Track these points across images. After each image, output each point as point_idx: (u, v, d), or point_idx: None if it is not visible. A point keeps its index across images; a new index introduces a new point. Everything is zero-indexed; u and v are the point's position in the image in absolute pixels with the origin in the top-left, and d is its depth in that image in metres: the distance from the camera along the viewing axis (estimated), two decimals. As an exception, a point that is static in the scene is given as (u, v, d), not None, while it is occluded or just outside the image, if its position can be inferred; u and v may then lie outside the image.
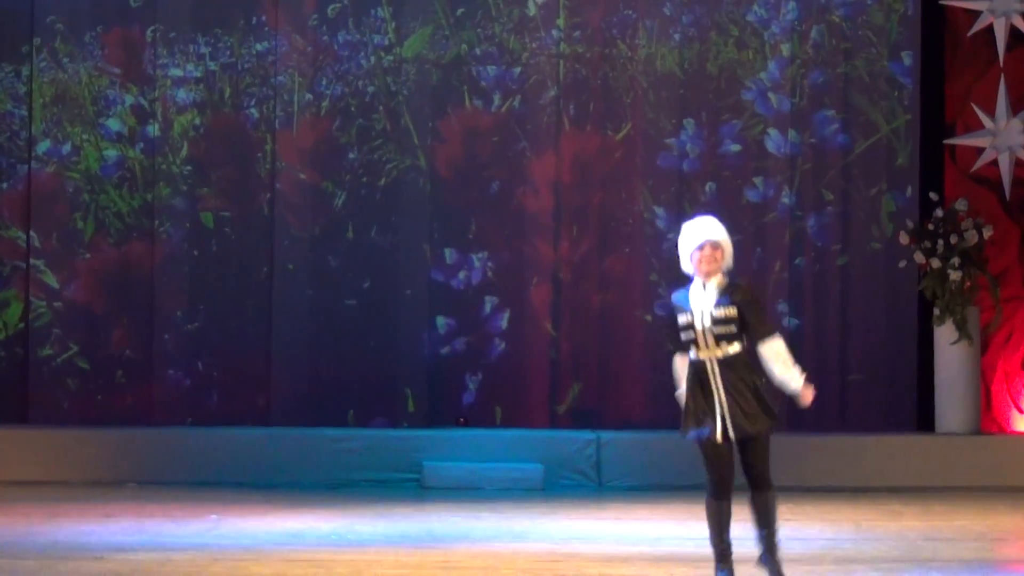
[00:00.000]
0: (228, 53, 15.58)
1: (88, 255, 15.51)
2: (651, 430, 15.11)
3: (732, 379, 9.19)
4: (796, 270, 15.65)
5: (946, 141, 15.31)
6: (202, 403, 15.46)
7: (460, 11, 15.59)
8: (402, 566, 10.61)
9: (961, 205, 14.99)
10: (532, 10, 15.62)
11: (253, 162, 15.62)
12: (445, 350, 15.55)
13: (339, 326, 15.50)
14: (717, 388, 9.20)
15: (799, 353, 15.37)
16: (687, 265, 9.31)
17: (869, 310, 15.63)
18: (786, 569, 9.72)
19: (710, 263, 9.19)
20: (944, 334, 14.94)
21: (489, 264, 15.62)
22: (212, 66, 15.58)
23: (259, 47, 15.59)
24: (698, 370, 9.23)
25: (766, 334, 9.21)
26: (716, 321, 9.13)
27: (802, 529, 12.27)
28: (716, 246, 9.23)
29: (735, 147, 15.66)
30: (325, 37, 15.60)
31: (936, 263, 14.87)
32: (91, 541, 11.34)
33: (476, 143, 15.66)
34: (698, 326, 9.16)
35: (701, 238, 9.27)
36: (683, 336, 9.23)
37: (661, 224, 15.56)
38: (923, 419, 15.28)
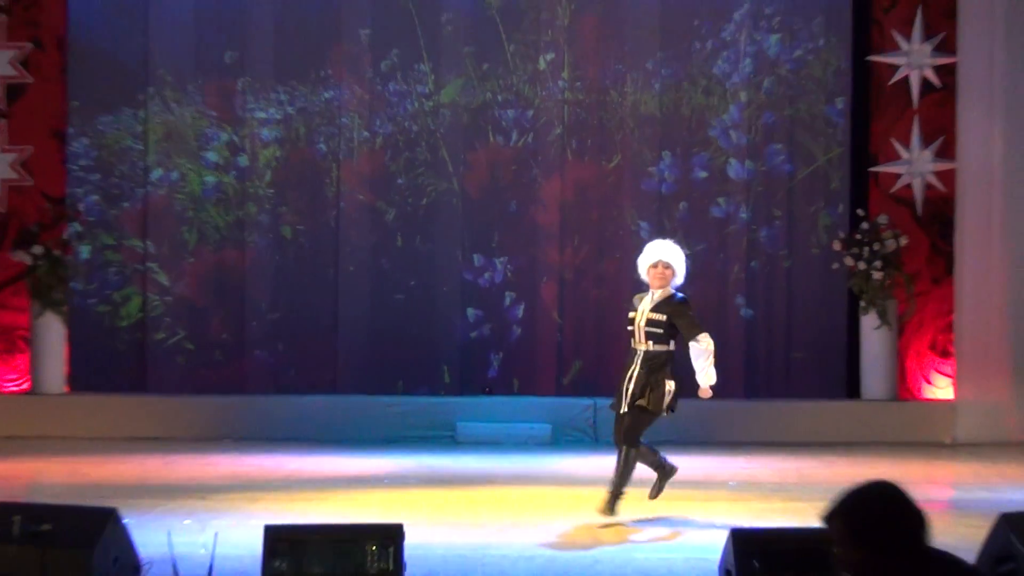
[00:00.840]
0: (302, 100, 15.62)
1: (192, 260, 15.56)
2: (637, 397, 15.15)
3: (648, 369, 9.48)
4: (751, 271, 15.67)
5: (871, 168, 15.32)
6: (282, 376, 15.50)
7: (485, 66, 15.63)
8: (440, 501, 10.67)
9: (882, 219, 15.01)
10: (542, 65, 15.66)
11: (322, 186, 15.66)
12: (474, 334, 15.59)
13: (390, 315, 15.54)
14: (633, 373, 9.56)
15: (754, 336, 15.56)
16: (643, 275, 9.63)
17: (809, 302, 15.64)
18: (738, 504, 9.70)
19: (660, 279, 9.53)
20: (868, 321, 14.96)
21: (508, 267, 15.65)
22: (290, 110, 15.62)
23: (327, 95, 15.63)
24: (630, 356, 9.62)
25: (695, 335, 9.48)
26: (649, 322, 9.50)
27: (755, 475, 12.33)
28: (667, 266, 9.56)
29: (703, 173, 15.67)
30: (379, 87, 15.64)
31: (862, 265, 14.91)
32: (196, 485, 11.41)
33: (498, 171, 15.70)
34: (638, 323, 9.53)
35: (656, 257, 9.61)
36: (628, 328, 9.62)
37: (644, 235, 15.52)
38: (851, 388, 15.28)
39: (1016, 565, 7.41)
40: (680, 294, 9.71)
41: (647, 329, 9.56)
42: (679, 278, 9.65)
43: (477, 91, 15.64)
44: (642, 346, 9.58)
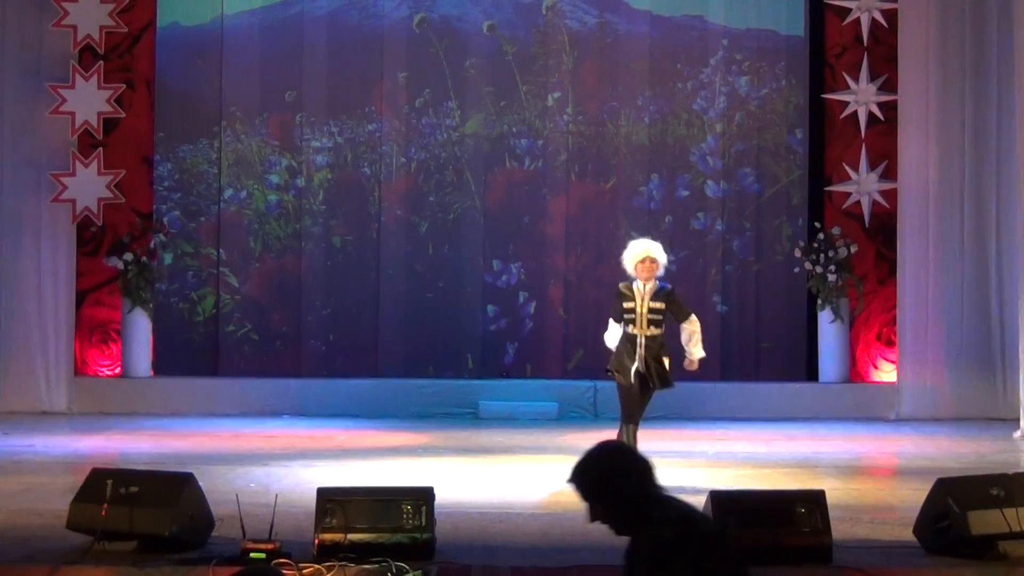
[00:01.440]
0: (350, 131, 15.60)
1: (258, 264, 15.55)
2: (630, 380, 15.12)
3: (652, 350, 9.52)
4: (726, 274, 15.62)
5: (826, 188, 15.27)
6: (333, 362, 15.48)
7: (503, 103, 15.60)
8: (465, 468, 10.64)
9: (836, 231, 14.96)
10: (550, 102, 15.63)
11: (366, 203, 15.63)
12: (493, 327, 15.56)
13: (423, 311, 15.51)
14: (640, 354, 9.53)
15: (728, 330, 15.50)
16: (630, 268, 9.60)
17: (774, 300, 15.60)
18: (715, 470, 9.68)
19: (648, 271, 9.54)
20: (825, 316, 14.92)
21: (522, 271, 15.62)
22: (339, 140, 15.60)
23: (370, 127, 15.61)
24: (631, 340, 9.59)
25: (686, 316, 9.73)
26: (651, 311, 9.55)
27: (730, 446, 12.28)
28: (654, 260, 9.60)
29: (685, 192, 15.64)
30: (413, 120, 15.61)
31: (819, 269, 14.87)
32: (260, 454, 11.39)
33: (513, 190, 15.66)
34: (639, 311, 9.53)
35: (644, 253, 9.62)
36: (626, 316, 9.57)
37: (636, 243, 15.55)
38: (810, 372, 15.24)
39: (951, 522, 7.35)
40: (667, 284, 9.70)
41: (649, 316, 9.54)
42: (662, 270, 9.63)
43: (496, 124, 15.62)
44: (645, 331, 9.52)
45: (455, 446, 12.10)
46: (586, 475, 4.73)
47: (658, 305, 9.56)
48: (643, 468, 4.64)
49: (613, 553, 7.43)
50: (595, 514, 4.69)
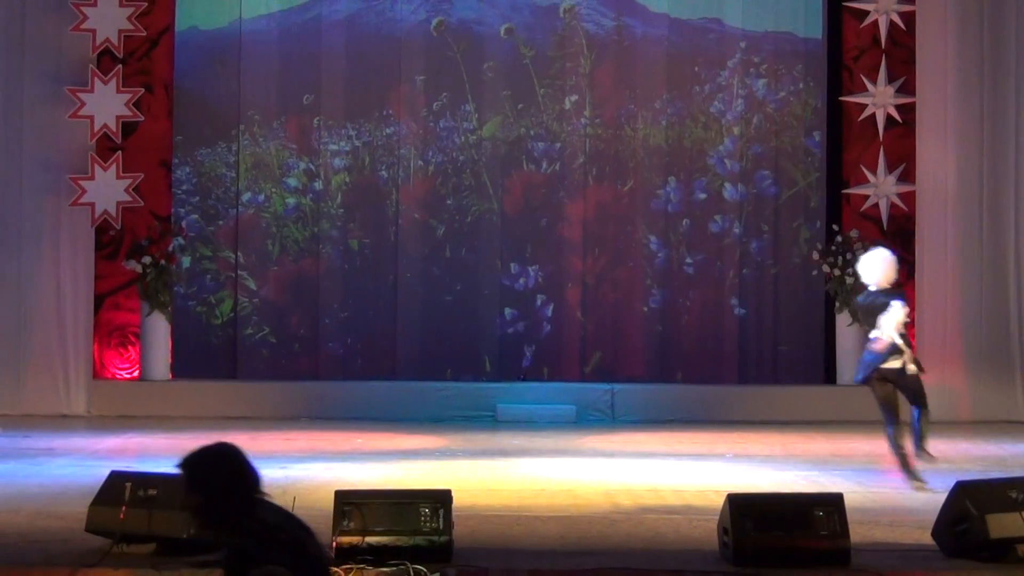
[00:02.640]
0: (367, 134, 15.61)
1: (276, 268, 15.56)
2: (648, 383, 15.12)
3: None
4: (744, 277, 15.59)
5: (844, 191, 15.23)
6: (351, 365, 15.48)
7: (520, 106, 15.60)
8: (482, 470, 10.63)
9: (854, 234, 14.92)
10: (568, 105, 15.62)
11: (384, 206, 15.64)
12: (510, 330, 15.55)
13: (441, 314, 15.51)
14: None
15: (746, 333, 15.47)
16: (890, 276, 9.92)
17: (793, 303, 15.57)
18: (741, 473, 9.67)
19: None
20: (843, 319, 14.87)
21: (540, 273, 15.61)
22: (357, 143, 15.61)
23: (388, 130, 15.62)
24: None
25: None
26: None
27: (748, 448, 12.25)
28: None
29: (703, 195, 15.61)
30: (431, 123, 15.62)
31: (837, 272, 14.84)
32: (278, 456, 11.37)
33: (531, 193, 15.65)
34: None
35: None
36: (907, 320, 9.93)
37: (653, 247, 15.55)
38: (828, 375, 15.20)
39: (969, 525, 7.32)
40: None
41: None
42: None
43: (513, 127, 15.61)
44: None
45: (473, 448, 12.09)
46: (194, 469, 4.97)
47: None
48: (251, 476, 4.86)
49: (632, 557, 7.43)
50: (192, 506, 4.90)
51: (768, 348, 15.57)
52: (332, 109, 15.59)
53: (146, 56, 14.97)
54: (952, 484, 7.60)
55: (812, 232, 15.52)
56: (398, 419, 14.13)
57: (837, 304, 14.91)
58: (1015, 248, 14.58)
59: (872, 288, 10.01)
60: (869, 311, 9.93)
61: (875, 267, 10.03)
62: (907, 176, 14.92)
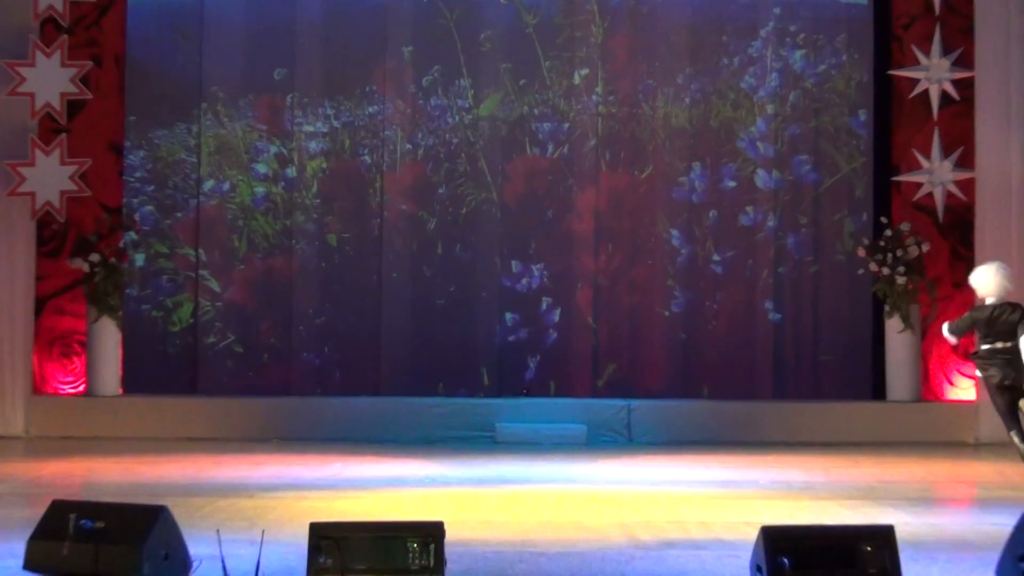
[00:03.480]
0: (347, 114, 15.60)
1: (242, 266, 15.54)
2: (670, 399, 15.10)
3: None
4: (779, 277, 15.58)
5: (893, 178, 15.21)
6: (328, 378, 15.47)
7: (523, 81, 15.59)
8: (479, 500, 10.59)
9: (905, 227, 14.90)
10: (577, 80, 15.60)
11: (366, 196, 15.62)
12: (512, 338, 15.53)
13: (431, 319, 15.49)
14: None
15: (782, 340, 15.46)
16: (1009, 288, 11.18)
17: (835, 307, 15.56)
18: (766, 502, 9.64)
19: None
20: (893, 325, 14.85)
21: (545, 273, 15.59)
22: (336, 124, 15.60)
23: (371, 109, 15.61)
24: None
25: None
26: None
27: (784, 474, 12.21)
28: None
29: (732, 183, 15.61)
30: (421, 101, 15.61)
31: (886, 271, 14.81)
32: (244, 483, 11.35)
33: (535, 181, 15.64)
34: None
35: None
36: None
37: (675, 242, 15.53)
38: (877, 389, 15.18)
39: (1040, 562, 7.26)
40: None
41: None
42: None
43: (515, 105, 15.59)
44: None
45: (468, 475, 12.05)
46: None
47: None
48: None
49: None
50: None
51: (808, 358, 15.54)
52: (307, 85, 15.57)
53: (95, 25, 14.95)
54: (1019, 514, 7.54)
55: (857, 225, 15.50)
56: (383, 440, 14.09)
57: (887, 308, 14.88)
58: (1090, 243, 14.58)
59: (991, 301, 11.11)
60: (1005, 326, 10.97)
61: (992, 279, 11.13)
62: (965, 161, 14.91)
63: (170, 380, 15.31)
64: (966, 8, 14.88)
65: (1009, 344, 10.93)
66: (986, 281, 11.19)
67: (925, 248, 14.83)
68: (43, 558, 7.33)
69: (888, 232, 14.92)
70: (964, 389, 14.88)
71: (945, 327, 11.54)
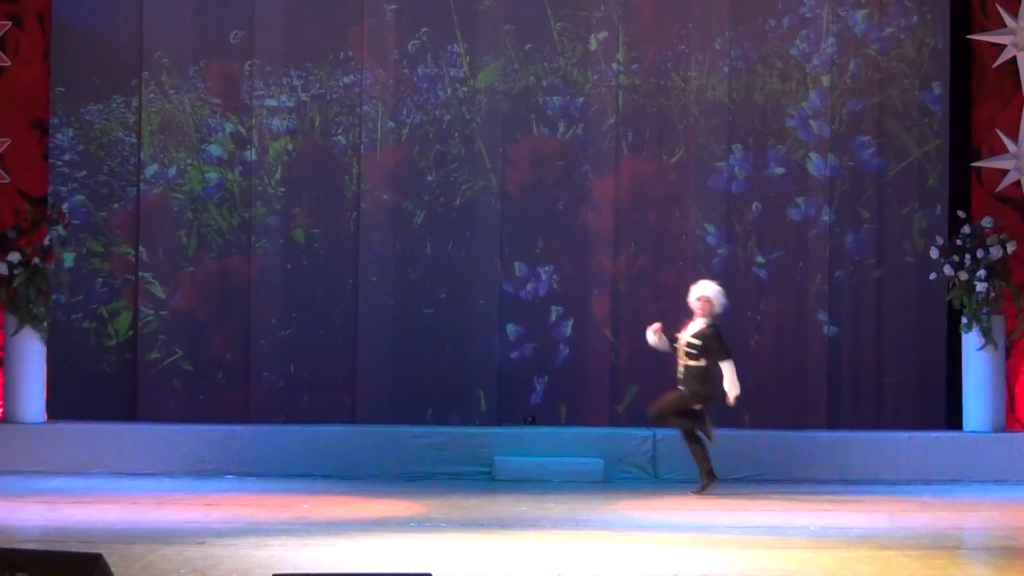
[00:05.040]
0: (318, 85, 15.63)
1: (191, 268, 15.57)
2: (702, 428, 15.12)
3: (686, 380, 13.39)
4: (835, 282, 15.59)
5: (973, 164, 15.23)
6: (294, 402, 15.49)
7: (528, 46, 15.61)
8: (474, 548, 10.61)
9: (987, 222, 14.91)
10: (594, 45, 15.63)
11: (340, 184, 15.65)
12: (514, 355, 15.55)
13: (418, 333, 15.51)
14: (679, 384, 13.44)
15: (838, 360, 15.48)
16: (692, 306, 13.41)
17: (902, 318, 15.57)
18: (819, 553, 9.66)
19: (700, 310, 13.42)
20: (971, 340, 14.86)
21: (555, 276, 15.61)
22: (303, 97, 15.63)
23: (346, 79, 15.64)
24: (677, 370, 13.46)
25: (724, 357, 13.29)
26: (688, 344, 13.34)
27: (840, 518, 12.22)
28: (707, 300, 13.40)
29: (779, 170, 15.62)
30: (406, 70, 15.63)
31: (964, 275, 14.82)
32: (194, 528, 11.37)
33: (543, 166, 15.66)
34: (681, 343, 13.39)
35: (698, 293, 13.47)
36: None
37: (711, 240, 15.54)
38: (952, 418, 15.19)
39: None
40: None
41: (687, 350, 13.35)
42: (716, 309, 13.58)
43: (518, 75, 15.63)
44: (684, 361, 13.47)
45: (461, 518, 12.07)
46: None
47: (694, 341, 13.35)
48: None
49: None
50: None
51: (869, 380, 15.55)
52: (269, 51, 15.61)
53: (14, -23, 15.02)
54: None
55: (930, 221, 15.52)
56: (359, 476, 14.13)
57: (964, 320, 14.90)
58: None
59: None
60: None
61: None
62: (1060, 144, 14.97)
63: (105, 404, 15.34)
64: (1062, -40, 14.93)
65: None
66: None
67: (1011, 248, 14.84)
68: (-46, 616, 7.37)
69: (966, 229, 14.94)
70: (1057, 418, 14.94)
71: None
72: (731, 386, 13.26)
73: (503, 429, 15.06)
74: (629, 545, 10.80)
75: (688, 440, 13.46)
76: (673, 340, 13.50)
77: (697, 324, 13.43)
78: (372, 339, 15.52)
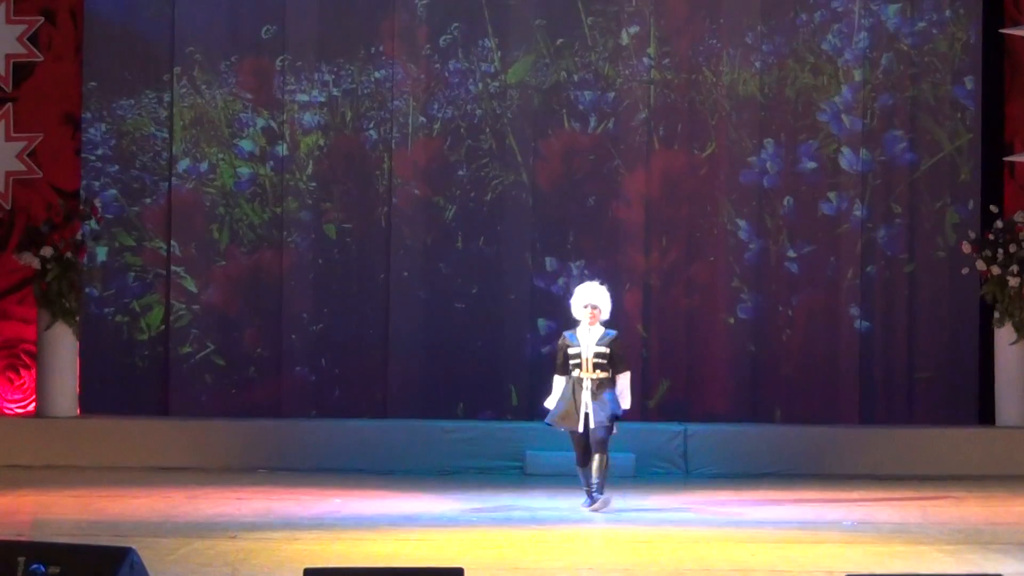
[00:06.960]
0: (349, 80, 15.63)
1: (223, 263, 15.59)
2: (734, 423, 15.09)
3: (596, 392, 12.18)
4: (867, 277, 15.55)
5: (1006, 158, 15.19)
6: (325, 397, 15.50)
7: (560, 41, 15.59)
8: (506, 545, 10.61)
9: (1020, 217, 14.88)
10: (625, 40, 15.61)
11: (372, 179, 15.66)
12: (546, 349, 15.50)
13: (449, 327, 15.51)
14: (586, 397, 12.16)
15: (871, 355, 15.43)
16: (578, 314, 12.34)
17: (934, 313, 15.52)
18: (851, 548, 9.64)
19: (593, 318, 12.31)
20: (1004, 335, 14.83)
21: (586, 271, 15.57)
22: (335, 92, 15.63)
23: (377, 75, 15.64)
24: (576, 384, 12.23)
25: (624, 369, 12.36)
26: (596, 355, 12.28)
27: (873, 514, 12.21)
28: (596, 307, 12.32)
29: (811, 164, 15.59)
30: (437, 65, 15.63)
31: (996, 270, 14.79)
32: (225, 521, 11.39)
33: (574, 161, 15.65)
34: (584, 355, 12.23)
35: (588, 301, 12.34)
36: (571, 362, 12.25)
37: (743, 235, 15.51)
38: (984, 413, 15.15)
39: None
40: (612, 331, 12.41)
41: (594, 360, 12.25)
42: (606, 315, 12.39)
43: (550, 70, 15.61)
44: (590, 374, 12.24)
45: (493, 512, 12.08)
46: None
47: (602, 351, 12.31)
48: None
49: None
50: None
51: (902, 376, 15.51)
52: (301, 45, 15.61)
53: (47, -27, 15.05)
54: None
55: (962, 215, 15.47)
56: (390, 471, 14.13)
57: (996, 315, 14.85)
58: None
59: None
60: None
61: None
62: (1094, 138, 14.93)
63: (137, 399, 15.36)
64: (1096, -49, 14.88)
65: None
66: None
67: (1044, 243, 14.83)
68: (-13, 609, 7.38)
69: (999, 224, 14.90)
70: (1091, 413, 14.86)
71: None
72: (625, 399, 12.35)
73: (534, 424, 15.01)
74: (659, 538, 10.79)
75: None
76: (565, 355, 12.28)
77: (594, 333, 12.27)
78: (403, 334, 15.52)
